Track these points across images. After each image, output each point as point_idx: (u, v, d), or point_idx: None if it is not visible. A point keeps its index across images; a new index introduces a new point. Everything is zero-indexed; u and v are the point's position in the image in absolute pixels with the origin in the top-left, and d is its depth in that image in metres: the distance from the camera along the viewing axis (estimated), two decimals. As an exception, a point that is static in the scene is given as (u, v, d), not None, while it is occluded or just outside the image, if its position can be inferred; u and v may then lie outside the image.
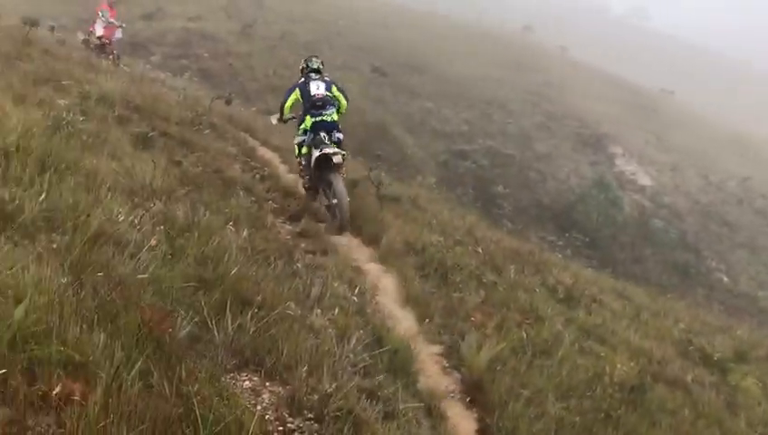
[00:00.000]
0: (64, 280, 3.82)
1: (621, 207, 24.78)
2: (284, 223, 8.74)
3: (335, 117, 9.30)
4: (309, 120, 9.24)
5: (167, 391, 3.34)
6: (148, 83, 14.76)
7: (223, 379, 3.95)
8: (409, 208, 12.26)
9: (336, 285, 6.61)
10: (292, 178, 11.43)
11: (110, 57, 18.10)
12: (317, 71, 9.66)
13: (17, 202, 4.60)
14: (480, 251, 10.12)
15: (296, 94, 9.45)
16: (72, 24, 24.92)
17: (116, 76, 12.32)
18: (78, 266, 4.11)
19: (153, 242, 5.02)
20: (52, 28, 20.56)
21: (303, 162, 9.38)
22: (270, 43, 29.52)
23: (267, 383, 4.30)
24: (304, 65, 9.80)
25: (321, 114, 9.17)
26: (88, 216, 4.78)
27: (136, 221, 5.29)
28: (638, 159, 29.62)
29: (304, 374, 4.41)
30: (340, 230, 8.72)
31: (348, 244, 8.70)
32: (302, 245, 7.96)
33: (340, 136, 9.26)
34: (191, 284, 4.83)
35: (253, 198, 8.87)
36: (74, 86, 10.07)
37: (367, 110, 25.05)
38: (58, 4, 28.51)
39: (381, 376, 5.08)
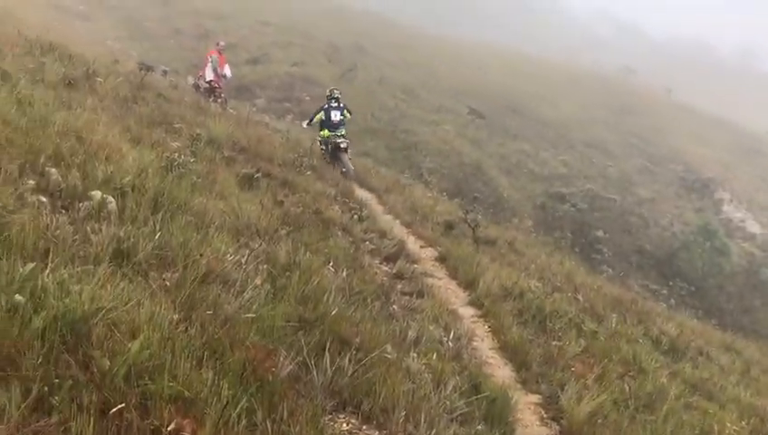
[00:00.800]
0: (175, 317, 3.98)
1: (729, 256, 23.58)
2: (381, 264, 8.81)
3: (344, 132, 14.90)
4: (327, 133, 14.85)
5: (270, 430, 3.39)
6: (254, 126, 15.34)
7: (322, 420, 3.98)
8: (506, 252, 12.11)
9: (432, 328, 6.58)
10: (389, 220, 11.55)
11: (219, 101, 18.95)
12: (337, 99, 15.11)
13: (132, 240, 4.85)
14: (580, 298, 9.84)
15: (322, 114, 15.03)
16: (182, 69, 26.32)
17: (224, 119, 12.88)
18: (188, 304, 4.28)
19: (257, 281, 5.16)
20: (165, 72, 21.82)
21: (324, 150, 14.87)
22: (368, 87, 30.18)
23: (364, 427, 4.30)
24: (329, 94, 15.26)
25: (336, 133, 14.82)
26: (200, 256, 4.98)
27: (242, 260, 5.46)
28: (746, 204, 28.23)
29: (401, 419, 4.38)
30: (349, 179, 13.56)
31: (444, 286, 8.67)
32: (399, 286, 7.99)
33: (348, 141, 14.90)
34: (292, 323, 4.92)
35: (350, 239, 9.01)
36: (185, 128, 10.60)
37: (464, 151, 25.13)
38: (170, 50, 30.29)
39: (479, 425, 4.98)
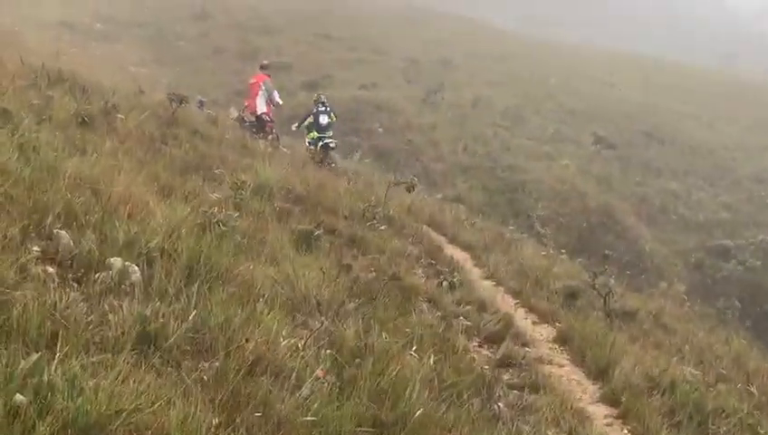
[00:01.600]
0: (215, 420, 4.04)
1: None
2: (480, 347, 8.73)
3: (331, 133, 20.01)
4: (317, 135, 19.75)
5: None
6: (312, 168, 15.65)
7: None
8: (651, 328, 11.82)
9: (552, 434, 6.44)
10: (489, 287, 11.48)
11: (269, 138, 19.47)
12: (323, 103, 20.05)
13: (161, 320, 4.98)
14: (754, 390, 9.47)
15: (311, 119, 19.91)
16: (223, 99, 27.26)
17: (275, 161, 13.21)
18: (231, 403, 4.34)
19: (319, 373, 5.20)
20: (201, 104, 22.62)
21: (313, 148, 19.12)
22: (459, 113, 30.49)
23: None
24: (316, 98, 20.46)
25: (324, 135, 19.71)
26: (246, 340, 5.06)
27: (299, 344, 5.52)
28: None
29: None
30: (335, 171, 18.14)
31: (566, 375, 8.51)
32: (505, 377, 7.88)
33: (336, 142, 20.29)
34: (364, 428, 4.91)
35: (439, 314, 8.98)
36: (227, 175, 10.91)
37: (588, 192, 24.87)
38: (208, 75, 31.52)
39: None
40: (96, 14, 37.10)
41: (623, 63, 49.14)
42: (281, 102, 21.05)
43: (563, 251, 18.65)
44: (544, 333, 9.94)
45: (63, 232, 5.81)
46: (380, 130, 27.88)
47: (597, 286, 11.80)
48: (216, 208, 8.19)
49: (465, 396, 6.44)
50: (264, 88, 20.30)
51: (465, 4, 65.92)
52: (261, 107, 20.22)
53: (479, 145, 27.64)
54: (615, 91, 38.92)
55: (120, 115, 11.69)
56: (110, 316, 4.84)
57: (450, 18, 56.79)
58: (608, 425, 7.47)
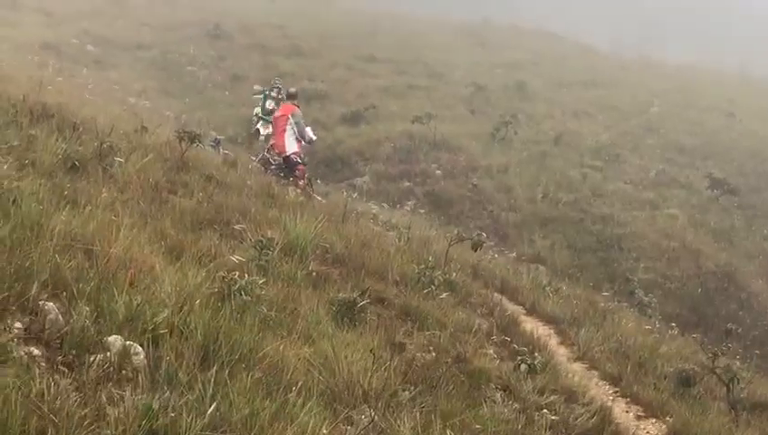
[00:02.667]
0: None
1: None
2: (571, 448, 8.64)
3: None
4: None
5: None
6: (354, 222, 15.71)
7: None
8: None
9: None
10: (579, 371, 11.36)
11: (301, 183, 19.63)
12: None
13: (171, 414, 5.00)
14: None
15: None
16: (243, 136, 27.56)
17: (308, 212, 13.26)
18: None
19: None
20: (217, 142, 22.91)
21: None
22: (538, 150, 30.44)
23: None
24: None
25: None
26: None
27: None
28: None
29: None
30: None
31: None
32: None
33: None
34: None
35: (516, 405, 8.90)
36: (250, 230, 11.00)
37: (703, 250, 24.55)
38: (225, 108, 31.90)
39: None
40: (88, 35, 37.84)
41: (742, 87, 48.80)
42: (314, 138, 21.22)
43: (673, 325, 18.38)
44: (652, 430, 9.81)
45: (51, 304, 5.87)
46: (438, 172, 27.91)
47: (717, 370, 11.61)
48: (237, 273, 8.25)
49: None
50: (292, 122, 20.50)
51: (545, 19, 66.27)
52: (289, 146, 20.40)
53: (563, 191, 27.44)
54: (735, 123, 38.50)
55: (118, 158, 11.85)
56: (109, 410, 4.87)
57: (526, 34, 57.16)
58: None
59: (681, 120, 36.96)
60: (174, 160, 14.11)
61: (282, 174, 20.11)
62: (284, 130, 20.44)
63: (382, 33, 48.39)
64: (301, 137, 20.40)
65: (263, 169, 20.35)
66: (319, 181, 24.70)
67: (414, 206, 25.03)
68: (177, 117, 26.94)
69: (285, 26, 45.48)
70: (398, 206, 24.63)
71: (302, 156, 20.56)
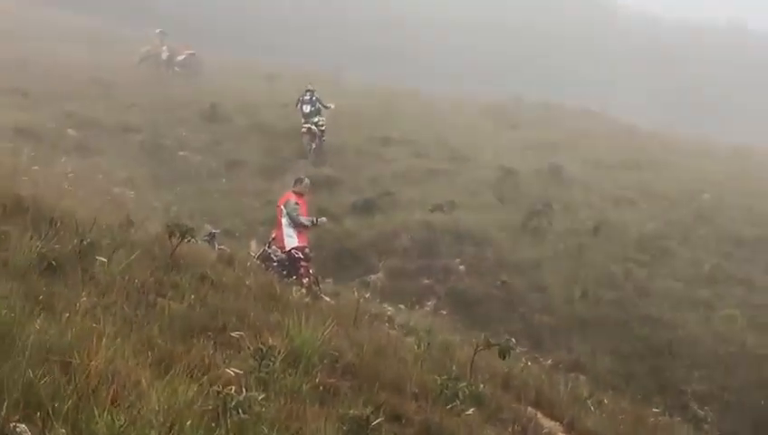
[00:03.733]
0: None
1: None
2: None
3: (317, 119, 37.28)
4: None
5: None
6: (367, 325, 15.68)
7: None
8: None
9: None
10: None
11: (305, 281, 19.66)
12: (311, 92, 37.12)
13: None
14: None
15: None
16: (242, 230, 27.72)
17: (314, 315, 13.24)
18: None
19: None
20: (212, 237, 23.00)
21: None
22: (575, 243, 30.37)
23: None
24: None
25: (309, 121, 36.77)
26: None
27: None
28: None
29: None
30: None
31: None
32: None
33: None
34: None
35: None
36: (248, 337, 10.98)
37: (766, 356, 24.39)
38: (219, 198, 32.08)
39: None
40: (68, 117, 37.99)
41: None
42: (305, 222, 21.34)
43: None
44: None
45: (23, 426, 5.87)
46: (462, 268, 27.91)
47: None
48: (234, 388, 8.22)
49: None
50: (285, 211, 20.71)
51: (582, 96, 66.83)
52: (289, 241, 20.53)
53: (604, 289, 27.37)
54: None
55: (100, 257, 11.88)
56: None
57: (561, 113, 57.45)
58: None
59: (738, 208, 36.78)
60: (163, 258, 14.15)
61: (285, 272, 20.20)
62: (281, 223, 20.61)
63: (398, 113, 48.75)
64: (297, 228, 20.52)
65: (263, 266, 20.41)
66: (327, 279, 24.76)
67: (435, 306, 25.02)
68: (167, 208, 27.14)
69: (289, 106, 45.85)
70: (416, 306, 24.57)
71: (306, 250, 20.65)
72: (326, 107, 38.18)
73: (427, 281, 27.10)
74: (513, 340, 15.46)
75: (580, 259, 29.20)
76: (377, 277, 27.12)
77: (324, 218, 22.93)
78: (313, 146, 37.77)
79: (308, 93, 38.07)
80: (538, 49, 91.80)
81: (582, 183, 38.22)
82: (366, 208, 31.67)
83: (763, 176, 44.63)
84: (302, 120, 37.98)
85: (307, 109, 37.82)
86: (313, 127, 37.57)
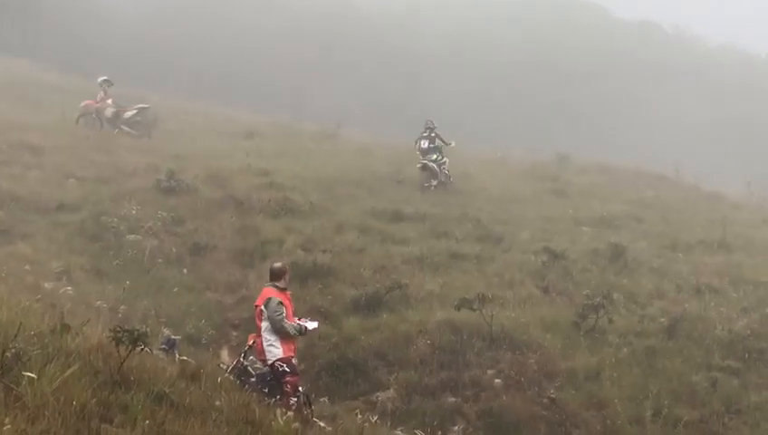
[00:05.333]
0: None
1: None
2: None
3: (434, 157, 48.85)
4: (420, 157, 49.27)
5: None
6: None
7: None
8: None
9: None
10: None
11: (292, 401, 19.68)
12: (430, 129, 49.71)
13: None
14: None
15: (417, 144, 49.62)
16: (209, 335, 27.74)
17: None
18: None
19: None
20: (171, 344, 23.09)
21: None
22: (644, 345, 30.33)
23: None
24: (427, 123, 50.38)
25: (426, 157, 48.79)
26: None
27: None
28: None
29: None
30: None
31: None
32: None
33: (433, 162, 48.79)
34: None
35: None
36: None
37: None
38: (180, 294, 31.78)
39: None
40: (-13, 193, 38.04)
41: None
42: (291, 330, 21.32)
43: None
44: None
45: None
46: (498, 381, 27.85)
47: None
48: None
49: None
50: (266, 314, 20.79)
51: (648, 155, 67.24)
52: (273, 350, 20.60)
53: (683, 406, 27.28)
54: None
55: (27, 373, 11.95)
56: None
57: (622, 177, 57.68)
58: None
59: None
60: (108, 373, 14.24)
61: (266, 389, 20.22)
62: (261, 329, 20.69)
63: (411, 179, 48.94)
64: (281, 334, 20.58)
65: (238, 382, 20.45)
66: (322, 399, 24.71)
67: (463, 432, 24.94)
68: (114, 308, 27.09)
69: (272, 172, 45.78)
70: (438, 433, 24.51)
71: (293, 362, 20.67)
72: (447, 144, 49.50)
73: (452, 399, 27.02)
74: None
75: (650, 367, 29.14)
76: (386, 396, 27.01)
77: (316, 323, 22.95)
78: (434, 183, 47.88)
79: (427, 130, 49.25)
80: (588, 96, 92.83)
81: (652, 268, 38.18)
82: (370, 306, 31.44)
83: None
84: (420, 156, 48.75)
85: (425, 145, 48.87)
86: (429, 163, 48.03)
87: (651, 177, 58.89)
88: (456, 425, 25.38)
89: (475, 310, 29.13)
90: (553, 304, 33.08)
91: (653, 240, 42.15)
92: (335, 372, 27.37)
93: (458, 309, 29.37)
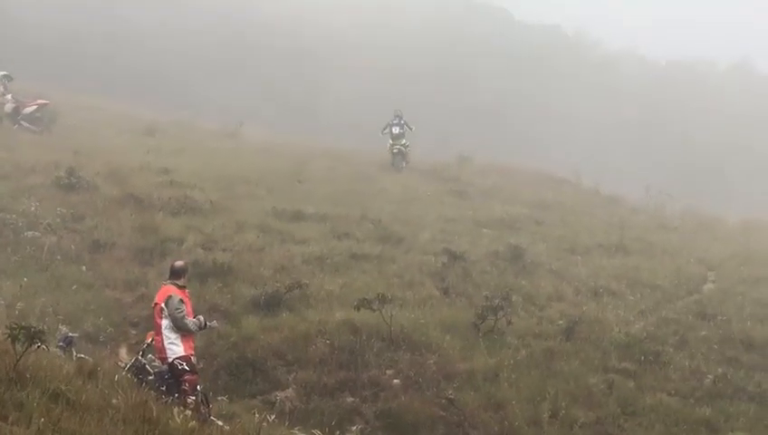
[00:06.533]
0: None
1: None
2: None
3: (404, 141, 58.11)
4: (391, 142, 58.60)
5: None
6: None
7: None
8: None
9: None
10: None
11: (190, 400, 19.58)
12: (399, 117, 58.06)
13: None
14: None
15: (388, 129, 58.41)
16: (108, 333, 27.52)
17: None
18: None
19: None
20: (69, 342, 22.88)
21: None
22: (542, 347, 30.59)
23: None
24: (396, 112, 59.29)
25: (397, 143, 57.93)
26: None
27: None
28: None
29: None
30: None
31: None
32: None
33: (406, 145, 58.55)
34: None
35: None
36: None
37: None
38: (79, 291, 31.41)
39: None
40: None
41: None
42: (192, 327, 21.22)
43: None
44: None
45: None
46: (397, 382, 27.90)
47: None
48: None
49: None
50: (165, 312, 20.67)
51: (548, 158, 67.80)
52: (173, 348, 20.49)
53: (580, 407, 27.47)
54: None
55: None
56: None
57: (523, 179, 58.02)
58: None
59: (747, 301, 37.05)
60: (4, 370, 14.09)
61: (164, 388, 20.11)
62: (161, 327, 20.55)
63: (313, 178, 48.88)
64: (181, 332, 20.49)
65: (136, 380, 20.32)
66: (220, 397, 24.62)
67: (361, 432, 24.94)
68: (11, 305, 26.82)
69: (172, 170, 45.53)
70: (337, 432, 24.48)
71: (192, 361, 20.57)
72: (410, 129, 57.57)
73: (350, 399, 27.02)
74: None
75: (548, 369, 29.33)
76: (285, 395, 26.96)
77: (215, 321, 22.88)
78: (404, 164, 57.00)
79: (396, 117, 57.35)
80: (485, 98, 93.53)
81: (551, 271, 38.45)
82: (270, 305, 31.37)
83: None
84: (391, 142, 57.22)
85: (397, 130, 57.16)
86: (402, 148, 57.05)
87: (551, 180, 59.43)
88: (354, 425, 25.37)
89: (374, 310, 29.18)
90: (453, 306, 33.22)
91: (552, 243, 42.49)
92: (234, 370, 27.29)
93: (358, 309, 29.39)
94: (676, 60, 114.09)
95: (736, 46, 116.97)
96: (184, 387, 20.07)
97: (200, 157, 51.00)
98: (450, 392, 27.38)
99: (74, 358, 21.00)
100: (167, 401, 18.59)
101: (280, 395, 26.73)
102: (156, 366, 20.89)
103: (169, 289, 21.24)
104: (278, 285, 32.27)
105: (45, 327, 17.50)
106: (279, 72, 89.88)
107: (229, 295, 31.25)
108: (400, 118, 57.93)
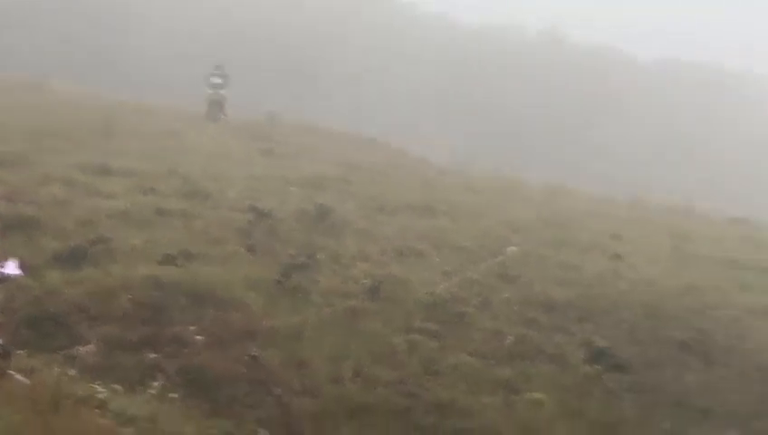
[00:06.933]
0: None
1: None
2: None
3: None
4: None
5: None
6: (71, 412, 15.55)
7: None
8: None
9: None
10: None
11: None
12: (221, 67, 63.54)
13: None
14: None
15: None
16: None
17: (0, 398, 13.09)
18: None
19: None
20: None
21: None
22: (346, 306, 30.58)
23: None
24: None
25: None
26: None
27: None
28: None
29: None
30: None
31: None
32: None
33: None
34: None
35: None
36: None
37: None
38: None
39: None
40: None
41: (631, 219, 50.16)
42: (13, 273, 20.98)
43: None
44: None
45: None
46: (200, 338, 27.78)
47: None
48: None
49: None
50: None
51: (358, 119, 68.06)
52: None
53: (383, 366, 27.61)
54: (623, 268, 39.32)
55: None
56: None
57: (332, 139, 58.36)
58: None
59: (549, 263, 37.77)
60: None
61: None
62: None
63: (122, 133, 48.50)
64: None
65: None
66: (20, 351, 24.31)
67: (162, 388, 24.75)
68: None
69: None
70: (138, 387, 24.31)
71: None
72: (228, 81, 60.83)
73: (152, 355, 26.79)
74: (266, 432, 15.60)
75: (352, 328, 29.45)
76: (86, 350, 26.66)
77: (18, 270, 22.57)
78: (222, 116, 59.47)
79: (218, 69, 61.16)
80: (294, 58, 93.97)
81: (358, 230, 38.60)
82: (73, 259, 31.00)
83: (577, 223, 45.91)
84: (210, 91, 60.34)
85: (217, 81, 60.41)
86: (220, 99, 60.05)
87: (360, 140, 59.87)
88: (156, 380, 25.20)
89: (179, 266, 29.10)
90: (258, 263, 33.20)
91: (360, 202, 42.72)
92: (35, 325, 26.88)
93: (162, 265, 29.30)
94: (489, 24, 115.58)
95: (548, 13, 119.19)
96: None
97: (3, 110, 50.20)
98: (254, 350, 27.35)
99: None
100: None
101: (82, 350, 26.40)
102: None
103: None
104: (82, 239, 31.97)
105: None
106: (84, 26, 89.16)
107: (31, 248, 30.79)
108: (222, 69, 61.15)
